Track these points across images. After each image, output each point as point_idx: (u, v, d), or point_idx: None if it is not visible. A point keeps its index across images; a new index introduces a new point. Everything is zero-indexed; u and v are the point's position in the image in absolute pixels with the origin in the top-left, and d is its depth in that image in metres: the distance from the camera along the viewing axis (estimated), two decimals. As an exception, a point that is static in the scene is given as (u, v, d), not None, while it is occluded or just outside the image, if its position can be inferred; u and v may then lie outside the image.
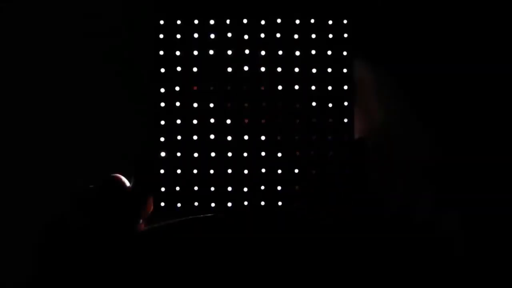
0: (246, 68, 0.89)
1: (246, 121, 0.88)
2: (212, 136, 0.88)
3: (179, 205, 0.87)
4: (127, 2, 0.95)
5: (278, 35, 0.89)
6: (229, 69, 0.89)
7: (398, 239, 0.86)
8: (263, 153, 0.89)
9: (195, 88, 0.87)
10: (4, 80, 0.96)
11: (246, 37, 0.89)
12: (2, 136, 0.95)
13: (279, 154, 0.89)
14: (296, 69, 0.89)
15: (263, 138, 0.89)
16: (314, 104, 0.89)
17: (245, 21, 0.88)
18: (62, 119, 0.95)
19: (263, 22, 0.88)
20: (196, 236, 0.84)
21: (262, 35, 0.89)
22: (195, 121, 0.89)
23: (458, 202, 0.89)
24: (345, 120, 0.89)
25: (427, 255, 0.87)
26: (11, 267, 0.91)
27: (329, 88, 0.90)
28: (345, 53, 0.90)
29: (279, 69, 0.89)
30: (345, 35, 0.90)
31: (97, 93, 0.95)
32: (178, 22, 0.88)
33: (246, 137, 0.89)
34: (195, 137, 0.89)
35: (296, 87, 0.89)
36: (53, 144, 0.95)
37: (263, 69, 0.89)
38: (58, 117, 0.95)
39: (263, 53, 0.89)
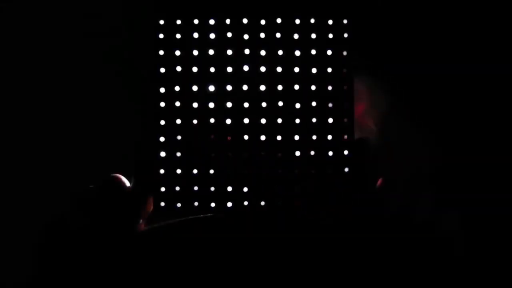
0: (246, 68, 0.89)
1: (229, 138, 0.88)
2: (212, 136, 0.88)
3: (179, 205, 0.87)
4: (127, 2, 0.94)
5: (278, 35, 0.89)
6: (229, 69, 0.89)
7: (398, 239, 0.86)
8: (263, 153, 0.89)
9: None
10: (3, 80, 0.96)
11: (246, 37, 0.89)
12: (2, 136, 0.95)
13: (279, 154, 0.89)
14: (296, 69, 0.89)
15: (263, 138, 0.89)
16: (314, 104, 0.89)
17: (245, 21, 0.88)
18: (62, 119, 0.95)
19: (263, 22, 0.88)
20: (196, 236, 0.84)
21: (262, 35, 0.89)
22: (195, 121, 0.89)
23: (458, 202, 0.89)
24: (345, 120, 0.89)
25: (427, 255, 0.87)
26: (11, 267, 0.91)
27: (329, 88, 0.90)
28: (345, 53, 0.90)
29: (279, 69, 0.89)
30: (345, 35, 0.90)
31: (97, 93, 0.95)
32: (178, 22, 0.88)
33: (246, 137, 0.89)
34: (195, 137, 0.89)
35: (296, 87, 0.89)
36: (53, 144, 0.94)
37: (263, 69, 0.89)
38: (57, 117, 0.95)
39: (263, 53, 0.89)
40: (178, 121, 0.88)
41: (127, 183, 0.83)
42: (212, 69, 0.88)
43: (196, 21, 0.88)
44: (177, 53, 0.89)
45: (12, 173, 0.94)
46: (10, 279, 0.90)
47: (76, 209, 0.81)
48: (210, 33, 0.88)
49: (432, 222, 0.88)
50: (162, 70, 0.89)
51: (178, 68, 0.88)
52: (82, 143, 0.94)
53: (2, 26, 0.96)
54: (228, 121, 0.88)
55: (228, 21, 0.88)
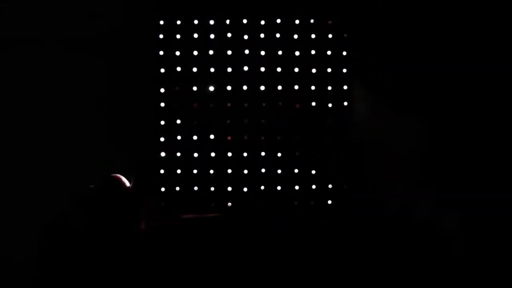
0: (246, 68, 0.89)
1: (229, 138, 0.88)
2: (212, 136, 0.89)
3: (179, 204, 0.87)
4: (127, 2, 0.94)
5: (278, 35, 0.89)
6: (229, 69, 0.89)
7: (398, 239, 0.86)
8: (263, 153, 0.89)
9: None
10: (3, 80, 0.96)
11: (246, 37, 0.89)
12: (3, 136, 0.95)
13: (279, 154, 0.89)
14: (296, 69, 0.89)
15: (262, 138, 0.89)
16: (314, 104, 0.89)
17: (245, 21, 0.88)
18: (62, 119, 0.95)
19: (263, 22, 0.88)
20: (196, 236, 0.84)
21: (262, 35, 0.89)
22: (195, 121, 0.89)
23: (458, 202, 0.89)
24: (345, 120, 0.89)
25: (427, 255, 0.87)
26: (11, 267, 0.91)
27: (329, 88, 0.90)
28: (344, 53, 0.90)
29: (279, 69, 0.89)
30: (345, 35, 0.90)
31: (97, 93, 0.95)
32: (178, 22, 0.88)
33: (245, 137, 0.89)
34: (195, 137, 0.89)
35: (296, 87, 0.89)
36: (53, 144, 0.94)
37: (263, 69, 0.89)
38: (57, 117, 0.95)
39: (263, 53, 0.89)
40: (178, 121, 0.88)
41: (127, 183, 0.83)
42: (212, 69, 0.88)
43: (196, 22, 0.88)
44: (177, 53, 0.89)
45: (13, 173, 0.94)
46: (11, 279, 0.91)
47: (76, 209, 0.82)
48: (210, 33, 0.88)
49: (432, 222, 0.88)
50: (162, 70, 0.89)
51: (178, 68, 0.88)
52: (82, 143, 0.94)
53: (1, 26, 0.96)
54: (228, 121, 0.89)
55: (228, 21, 0.88)
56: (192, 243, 0.84)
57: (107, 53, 0.95)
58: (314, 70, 0.90)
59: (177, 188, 0.88)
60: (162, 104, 0.89)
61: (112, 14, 0.95)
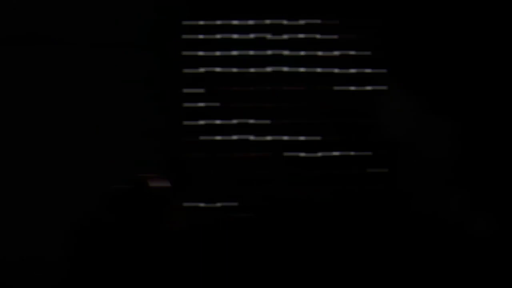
0: (269, 69, 0.89)
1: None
2: (235, 137, 0.89)
3: (202, 205, 0.88)
4: (158, 5, 0.95)
5: (301, 35, 0.90)
6: (252, 70, 0.89)
7: (429, 240, 0.86)
8: (284, 153, 0.90)
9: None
10: (42, 79, 0.97)
11: (269, 36, 0.90)
12: (39, 137, 0.97)
13: (314, 154, 0.89)
14: (336, 70, 0.89)
15: (285, 138, 0.89)
16: (349, 104, 0.89)
17: (267, 21, 0.89)
18: (96, 120, 0.96)
19: (302, 22, 0.89)
20: (223, 236, 0.85)
21: (302, 36, 0.89)
22: (217, 121, 0.90)
23: (491, 204, 0.88)
24: (379, 120, 0.89)
25: (459, 256, 0.86)
26: (42, 266, 0.92)
27: (355, 88, 0.90)
28: (373, 53, 0.90)
29: (319, 70, 0.89)
30: (378, 36, 0.90)
31: (123, 96, 0.96)
32: (201, 22, 0.90)
33: (269, 138, 0.89)
34: (217, 138, 0.89)
35: (335, 87, 0.89)
36: (83, 146, 0.95)
37: (302, 69, 0.89)
38: (92, 118, 0.96)
39: (302, 53, 0.89)
40: (202, 122, 0.89)
41: (156, 184, 0.84)
42: (235, 69, 0.89)
43: (219, 22, 0.89)
44: (200, 53, 0.90)
45: (46, 174, 0.95)
46: (44, 276, 0.92)
47: (106, 209, 0.83)
48: (233, 34, 0.89)
49: (464, 223, 0.87)
50: (191, 70, 0.90)
51: (202, 69, 0.90)
52: (111, 144, 0.95)
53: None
54: (251, 121, 0.89)
55: (251, 22, 0.89)
56: (219, 243, 0.85)
57: (132, 56, 0.95)
58: (336, 70, 0.90)
59: (204, 189, 0.89)
60: (187, 105, 0.90)
61: (137, 15, 0.96)
